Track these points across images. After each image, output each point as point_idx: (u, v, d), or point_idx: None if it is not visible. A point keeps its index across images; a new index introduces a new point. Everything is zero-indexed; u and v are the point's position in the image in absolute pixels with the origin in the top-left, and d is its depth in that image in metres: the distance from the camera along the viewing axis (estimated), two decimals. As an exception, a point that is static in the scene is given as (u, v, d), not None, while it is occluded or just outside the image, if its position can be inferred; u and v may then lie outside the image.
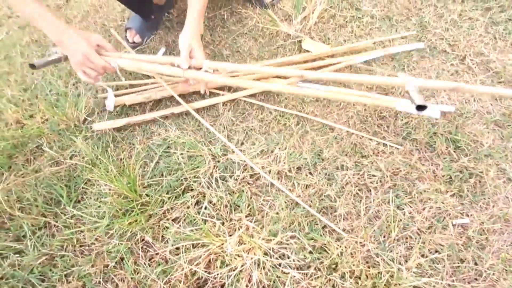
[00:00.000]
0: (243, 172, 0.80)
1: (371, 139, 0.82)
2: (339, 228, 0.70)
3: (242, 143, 0.87)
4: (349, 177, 0.77)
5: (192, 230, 0.74)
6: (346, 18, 1.03)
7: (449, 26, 0.96)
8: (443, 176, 0.75)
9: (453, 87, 0.67)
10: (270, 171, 0.79)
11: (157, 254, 0.72)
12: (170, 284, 0.68)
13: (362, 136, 0.83)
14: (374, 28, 1.00)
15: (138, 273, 0.71)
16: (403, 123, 0.83)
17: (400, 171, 0.76)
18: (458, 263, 0.64)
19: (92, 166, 0.88)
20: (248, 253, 0.67)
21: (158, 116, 0.93)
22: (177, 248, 0.72)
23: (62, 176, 0.89)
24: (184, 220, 0.77)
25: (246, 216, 0.74)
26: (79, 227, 0.83)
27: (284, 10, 1.09)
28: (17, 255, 0.78)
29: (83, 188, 0.87)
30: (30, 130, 0.99)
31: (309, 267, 0.66)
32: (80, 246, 0.80)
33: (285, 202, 0.75)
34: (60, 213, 0.85)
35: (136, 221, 0.76)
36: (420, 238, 0.67)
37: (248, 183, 0.80)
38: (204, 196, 0.79)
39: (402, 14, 1.02)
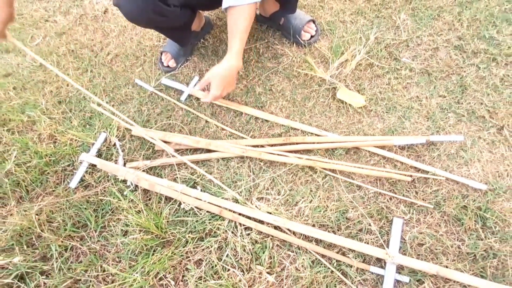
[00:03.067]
0: (267, 224, 0.84)
1: (398, 203, 0.84)
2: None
3: (268, 190, 0.90)
4: (372, 242, 0.80)
5: (212, 276, 0.78)
6: (384, 69, 1.04)
7: (490, 91, 0.96)
8: (467, 253, 0.77)
9: (434, 272, 0.72)
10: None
11: (177, 296, 0.77)
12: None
13: (390, 199, 0.85)
14: (412, 83, 1.01)
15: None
16: (432, 190, 0.85)
17: (425, 243, 0.78)
18: None
19: (120, 194, 0.93)
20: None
21: (189, 160, 0.97)
22: (197, 294, 0.76)
23: (91, 200, 0.94)
24: (206, 264, 0.81)
25: (267, 269, 0.77)
26: (103, 254, 0.88)
27: (321, 51, 1.11)
28: (44, 277, 0.84)
29: (110, 215, 0.92)
30: (63, 148, 1.05)
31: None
32: (103, 272, 0.85)
33: (307, 259, 0.78)
34: (86, 237, 0.90)
35: (159, 260, 0.81)
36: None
37: (272, 236, 0.83)
38: (227, 243, 0.83)
39: (443, 71, 1.02)
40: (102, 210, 0.93)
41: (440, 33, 1.09)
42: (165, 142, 0.99)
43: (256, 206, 0.87)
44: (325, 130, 0.97)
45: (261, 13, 1.21)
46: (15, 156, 1.04)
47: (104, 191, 0.96)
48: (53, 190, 0.99)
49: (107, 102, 1.16)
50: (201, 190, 0.91)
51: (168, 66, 1.19)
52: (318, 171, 0.90)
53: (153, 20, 0.91)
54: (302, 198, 0.88)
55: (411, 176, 0.86)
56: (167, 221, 0.88)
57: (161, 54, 1.20)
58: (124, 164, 0.99)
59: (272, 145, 0.97)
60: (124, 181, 0.95)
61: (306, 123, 1.00)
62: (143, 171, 0.96)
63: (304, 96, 1.05)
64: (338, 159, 0.92)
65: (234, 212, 0.86)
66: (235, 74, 0.91)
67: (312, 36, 1.13)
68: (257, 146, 0.96)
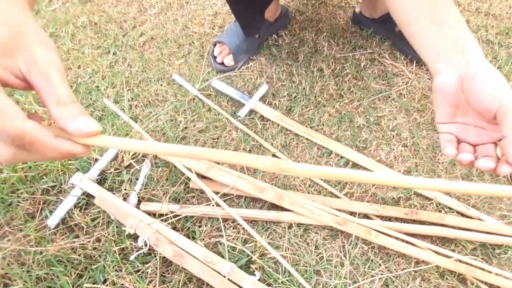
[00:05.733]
0: None
1: None
2: None
3: None
4: None
5: None
6: None
7: None
8: None
9: None
10: None
11: None
12: None
13: None
14: None
15: None
16: None
17: None
18: None
19: (121, 258, 0.57)
20: None
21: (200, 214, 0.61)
22: None
23: (73, 259, 0.59)
24: None
25: None
26: None
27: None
28: None
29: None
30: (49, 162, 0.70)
31: None
32: None
33: None
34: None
35: None
36: None
37: None
38: None
39: None
40: (89, 279, 0.57)
41: None
42: (206, 178, 0.64)
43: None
44: (473, 207, 0.61)
45: (364, 13, 0.87)
46: (-23, 159, 0.70)
47: (98, 245, 0.60)
48: (22, 224, 0.64)
49: (128, 100, 0.82)
50: (259, 279, 0.54)
51: (223, 64, 0.85)
52: (469, 283, 0.53)
53: None
54: None
55: None
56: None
57: (215, 45, 0.87)
58: (138, 204, 0.64)
59: (382, 217, 0.60)
60: (134, 236, 0.59)
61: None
62: (166, 220, 0.60)
63: (433, 143, 0.69)
64: (504, 267, 0.55)
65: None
66: None
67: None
68: (356, 215, 0.60)
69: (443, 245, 0.59)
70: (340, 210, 0.59)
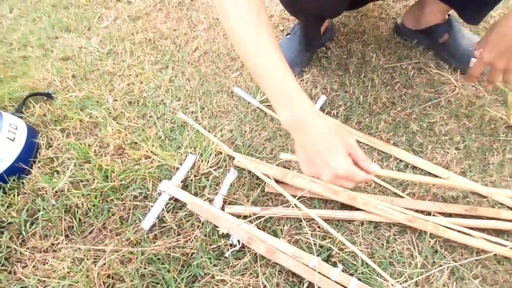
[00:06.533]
0: None
1: None
2: None
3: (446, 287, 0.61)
4: None
5: None
6: None
7: None
8: None
9: None
10: None
11: None
12: None
13: None
14: None
15: None
16: None
17: None
18: None
19: (217, 256, 0.65)
20: None
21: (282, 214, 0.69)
22: None
23: (173, 256, 0.67)
24: None
25: None
26: None
27: (499, 86, 0.84)
28: None
29: (201, 285, 0.64)
30: (134, 167, 0.79)
31: None
32: None
33: None
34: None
35: None
36: None
37: None
38: None
39: None
40: (189, 273, 0.65)
41: None
42: (281, 183, 0.72)
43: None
44: (526, 203, 0.68)
45: (407, 25, 0.95)
46: (70, 170, 0.79)
47: (192, 244, 0.69)
48: (117, 228, 0.73)
49: (193, 112, 0.91)
50: (342, 270, 0.62)
51: (278, 76, 0.93)
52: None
53: None
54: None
55: None
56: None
57: (269, 59, 0.95)
58: (223, 208, 0.72)
59: (444, 214, 0.68)
60: (225, 236, 0.68)
61: (491, 186, 0.71)
62: (249, 221, 0.69)
63: (483, 146, 0.76)
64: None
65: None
66: None
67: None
68: (421, 212, 0.68)
69: (498, 236, 0.66)
70: (407, 209, 0.67)
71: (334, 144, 0.48)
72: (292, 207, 0.69)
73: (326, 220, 0.69)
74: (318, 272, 0.60)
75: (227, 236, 0.67)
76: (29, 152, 0.83)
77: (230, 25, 0.51)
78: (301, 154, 0.52)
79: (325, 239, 0.67)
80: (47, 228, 0.73)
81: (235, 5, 0.50)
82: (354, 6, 0.93)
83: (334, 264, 0.63)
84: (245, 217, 0.70)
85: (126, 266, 0.67)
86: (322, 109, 0.86)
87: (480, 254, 0.64)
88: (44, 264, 0.68)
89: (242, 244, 0.66)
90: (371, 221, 0.68)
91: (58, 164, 0.83)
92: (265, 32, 0.50)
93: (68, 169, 0.80)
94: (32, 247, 0.70)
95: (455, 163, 0.75)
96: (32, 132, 0.86)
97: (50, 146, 0.88)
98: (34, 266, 0.68)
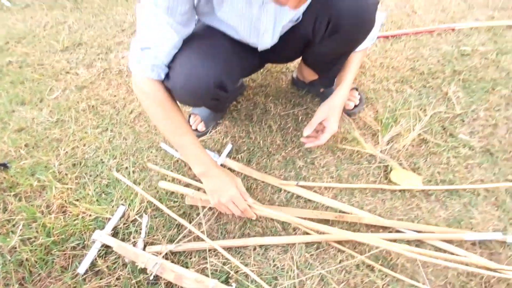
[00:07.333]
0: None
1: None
2: None
3: (316, 291, 0.79)
4: None
5: None
6: (440, 146, 0.98)
7: None
8: None
9: None
10: None
11: None
12: None
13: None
14: (474, 164, 0.95)
15: None
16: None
17: None
18: None
19: (136, 284, 0.81)
20: None
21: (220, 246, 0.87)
22: None
23: (103, 293, 0.83)
24: None
25: None
26: None
27: (367, 122, 1.06)
28: None
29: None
30: (74, 222, 0.96)
31: None
32: None
33: None
34: None
35: None
36: None
37: None
38: None
39: (506, 151, 0.96)
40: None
41: (497, 108, 1.06)
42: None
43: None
44: (379, 215, 0.88)
45: (299, 78, 1.19)
46: (20, 229, 0.95)
47: (119, 281, 0.85)
48: (59, 275, 0.88)
49: (126, 168, 1.09)
50: (236, 288, 0.80)
51: (196, 130, 1.14)
52: (377, 270, 0.80)
53: (213, 96, 0.85)
54: (360, 305, 0.76)
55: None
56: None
57: (190, 116, 1.17)
58: (144, 248, 0.89)
59: (319, 220, 0.87)
60: (143, 270, 0.84)
61: (356, 206, 0.91)
62: (166, 257, 0.86)
63: (351, 173, 0.98)
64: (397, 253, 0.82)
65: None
66: None
67: (356, 106, 1.09)
68: (303, 218, 0.87)
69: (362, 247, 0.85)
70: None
71: (227, 181, 0.80)
72: (198, 240, 0.87)
73: (228, 248, 0.87)
74: (214, 291, 0.77)
75: (146, 271, 0.84)
76: (-15, 218, 0.99)
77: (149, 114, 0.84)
78: (208, 191, 0.85)
79: (225, 264, 0.85)
80: (6, 279, 0.88)
81: (150, 107, 0.80)
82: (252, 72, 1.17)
83: (230, 285, 0.81)
84: (163, 253, 0.87)
85: (64, 307, 0.82)
86: (229, 155, 1.06)
87: (343, 261, 0.83)
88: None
89: (157, 275, 0.82)
90: (261, 245, 0.86)
91: (12, 225, 0.99)
92: (178, 120, 0.81)
93: (19, 228, 0.96)
94: (-14, 300, 0.84)
95: (329, 189, 0.95)
96: (-12, 200, 1.02)
97: (5, 210, 1.04)
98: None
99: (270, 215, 0.89)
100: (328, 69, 0.96)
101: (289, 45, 0.86)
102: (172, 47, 0.74)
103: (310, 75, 1.11)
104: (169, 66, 0.76)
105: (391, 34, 1.33)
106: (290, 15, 0.77)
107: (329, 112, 0.85)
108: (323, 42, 0.82)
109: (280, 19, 0.77)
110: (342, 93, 0.88)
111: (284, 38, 0.84)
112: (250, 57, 0.92)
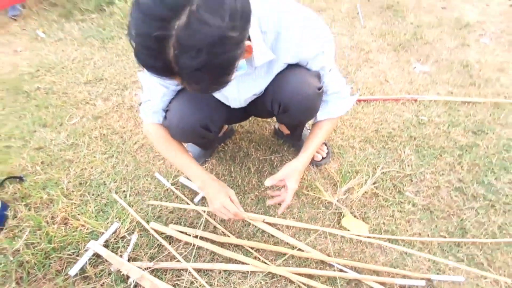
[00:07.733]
0: None
1: None
2: None
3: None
4: None
5: None
6: (388, 200, 1.17)
7: (489, 237, 1.05)
8: None
9: None
10: None
11: None
12: None
13: None
14: (415, 219, 1.12)
15: None
16: None
17: None
18: None
19: (118, 295, 0.97)
20: None
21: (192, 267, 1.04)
22: None
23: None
24: None
25: None
26: None
27: (330, 173, 1.26)
28: None
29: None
30: (73, 233, 1.13)
31: None
32: None
33: None
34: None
35: None
36: None
37: None
38: None
39: (444, 210, 1.14)
40: (96, 310, 0.96)
41: (442, 173, 1.25)
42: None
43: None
44: (328, 255, 1.05)
45: (280, 129, 1.41)
46: (26, 235, 1.13)
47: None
48: (53, 277, 1.04)
49: (124, 191, 1.29)
50: (198, 303, 0.95)
51: (187, 165, 1.35)
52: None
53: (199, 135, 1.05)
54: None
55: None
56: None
57: (183, 152, 1.38)
58: (128, 261, 1.06)
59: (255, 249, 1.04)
60: (124, 280, 1.00)
61: (310, 245, 1.08)
62: (146, 269, 1.02)
63: (311, 216, 1.15)
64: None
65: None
66: None
67: (323, 158, 1.29)
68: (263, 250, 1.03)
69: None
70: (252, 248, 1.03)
71: (218, 191, 0.98)
72: (174, 260, 1.04)
73: (198, 270, 1.03)
74: (179, 304, 0.93)
75: (126, 281, 1.00)
76: (1, 222, 1.17)
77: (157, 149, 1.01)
78: (208, 199, 1.01)
79: (193, 284, 1.01)
80: (5, 277, 1.05)
81: (155, 142, 1.03)
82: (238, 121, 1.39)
83: (195, 300, 0.96)
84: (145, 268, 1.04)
85: (53, 305, 0.97)
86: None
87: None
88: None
89: (136, 282, 0.99)
90: (225, 270, 1.03)
91: (19, 231, 1.17)
92: (176, 149, 1.02)
93: (25, 234, 1.14)
94: (-11, 292, 1.01)
95: (290, 228, 1.12)
96: (4, 206, 1.21)
97: (15, 217, 1.22)
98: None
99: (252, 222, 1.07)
100: (294, 130, 1.19)
101: (258, 108, 1.09)
102: (165, 97, 0.97)
103: (285, 129, 1.33)
104: (166, 110, 0.99)
105: (363, 98, 1.56)
106: (252, 91, 0.99)
107: (290, 173, 0.98)
108: (279, 116, 1.05)
109: (244, 92, 0.98)
110: (303, 160, 1.01)
111: (254, 102, 1.06)
112: (234, 109, 1.14)
